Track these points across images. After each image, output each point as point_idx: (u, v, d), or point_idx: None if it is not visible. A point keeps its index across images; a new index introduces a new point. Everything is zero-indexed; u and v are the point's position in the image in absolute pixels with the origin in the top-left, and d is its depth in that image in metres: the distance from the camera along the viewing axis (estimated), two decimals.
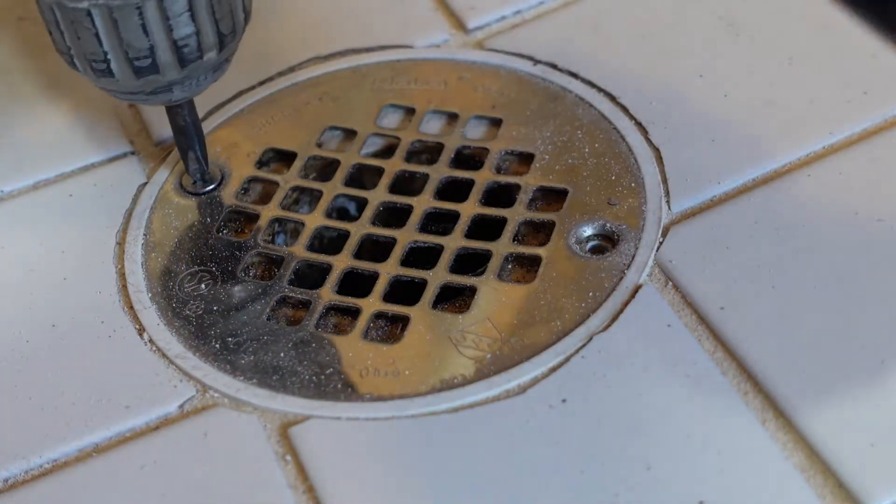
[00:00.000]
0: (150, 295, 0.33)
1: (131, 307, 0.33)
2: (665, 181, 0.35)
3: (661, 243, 0.33)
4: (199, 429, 0.30)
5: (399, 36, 0.42)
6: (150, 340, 0.32)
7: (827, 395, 0.29)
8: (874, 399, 0.29)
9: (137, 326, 0.33)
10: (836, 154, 0.35)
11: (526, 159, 0.36)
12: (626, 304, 0.32)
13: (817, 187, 0.34)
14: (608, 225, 0.34)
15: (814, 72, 0.38)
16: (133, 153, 0.38)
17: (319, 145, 0.38)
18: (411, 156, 0.37)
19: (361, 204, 0.36)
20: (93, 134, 0.39)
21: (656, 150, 0.36)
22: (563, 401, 0.30)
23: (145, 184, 0.37)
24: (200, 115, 0.39)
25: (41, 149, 0.39)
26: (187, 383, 0.31)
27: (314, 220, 0.35)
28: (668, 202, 0.34)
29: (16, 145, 0.39)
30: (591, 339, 0.31)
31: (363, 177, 0.37)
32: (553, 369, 0.31)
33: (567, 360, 0.31)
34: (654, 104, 0.37)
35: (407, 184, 0.37)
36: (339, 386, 0.31)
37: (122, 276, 0.34)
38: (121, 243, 0.35)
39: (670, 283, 0.32)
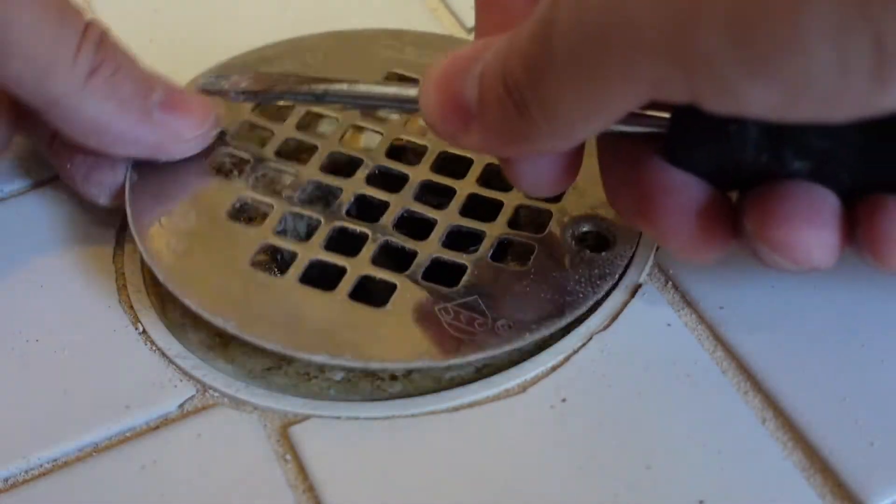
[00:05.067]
0: (150, 295, 0.33)
1: (131, 307, 0.33)
2: None
3: None
4: (199, 428, 0.30)
5: None
6: (150, 340, 0.32)
7: (827, 394, 0.30)
8: (874, 398, 0.29)
9: (137, 326, 0.33)
10: None
11: None
12: (626, 303, 0.32)
13: None
14: (605, 223, 0.34)
15: None
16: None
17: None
18: (410, 124, 0.37)
19: (357, 164, 0.35)
20: None
21: None
22: (563, 400, 0.30)
23: None
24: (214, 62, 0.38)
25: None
26: (187, 383, 0.31)
27: (309, 171, 0.35)
28: None
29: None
30: (591, 338, 0.31)
31: (361, 136, 0.37)
32: (553, 368, 0.31)
33: (567, 359, 0.31)
34: None
35: (404, 153, 0.36)
36: (318, 340, 0.30)
37: (121, 275, 0.34)
38: (121, 243, 0.35)
39: (670, 282, 0.32)
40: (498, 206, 0.34)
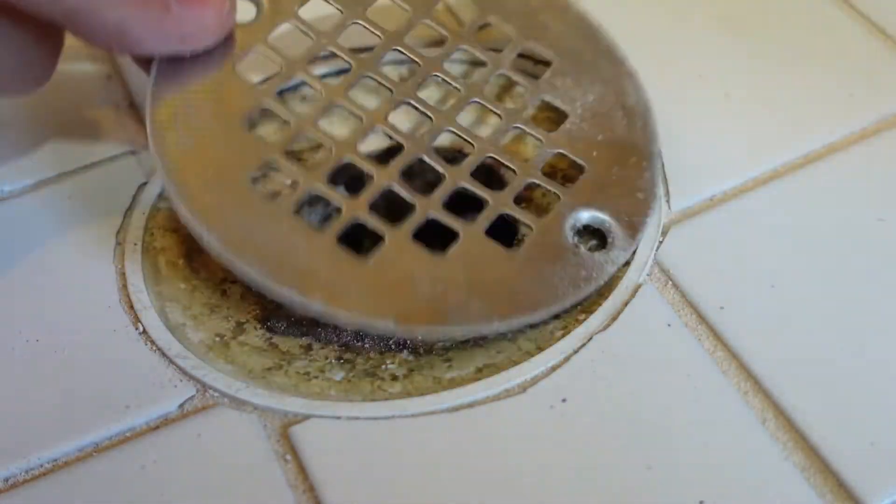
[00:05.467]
0: (150, 295, 0.33)
1: (131, 307, 0.33)
2: (665, 181, 0.35)
3: (660, 243, 0.33)
4: (199, 428, 0.30)
5: None
6: (151, 340, 0.32)
7: (827, 394, 0.30)
8: (874, 398, 0.29)
9: (137, 326, 0.33)
10: (836, 153, 0.35)
11: (558, 116, 0.35)
12: (626, 303, 0.32)
13: (817, 187, 0.34)
14: (607, 221, 0.33)
15: (814, 71, 0.38)
16: (133, 153, 0.38)
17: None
18: (451, 63, 0.36)
19: (386, 95, 0.34)
20: (93, 133, 0.39)
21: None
22: (563, 400, 0.30)
23: (145, 184, 0.37)
24: None
25: (41, 148, 0.39)
26: (187, 383, 0.31)
27: (335, 92, 0.33)
28: (668, 201, 0.34)
29: (16, 145, 0.39)
30: (591, 338, 0.31)
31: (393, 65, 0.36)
32: (553, 368, 0.31)
33: (567, 359, 0.31)
34: (654, 104, 0.37)
35: (437, 88, 0.35)
36: (293, 276, 0.30)
37: (122, 275, 0.34)
38: (121, 243, 0.35)
39: (670, 282, 0.32)
40: (510, 176, 0.33)
